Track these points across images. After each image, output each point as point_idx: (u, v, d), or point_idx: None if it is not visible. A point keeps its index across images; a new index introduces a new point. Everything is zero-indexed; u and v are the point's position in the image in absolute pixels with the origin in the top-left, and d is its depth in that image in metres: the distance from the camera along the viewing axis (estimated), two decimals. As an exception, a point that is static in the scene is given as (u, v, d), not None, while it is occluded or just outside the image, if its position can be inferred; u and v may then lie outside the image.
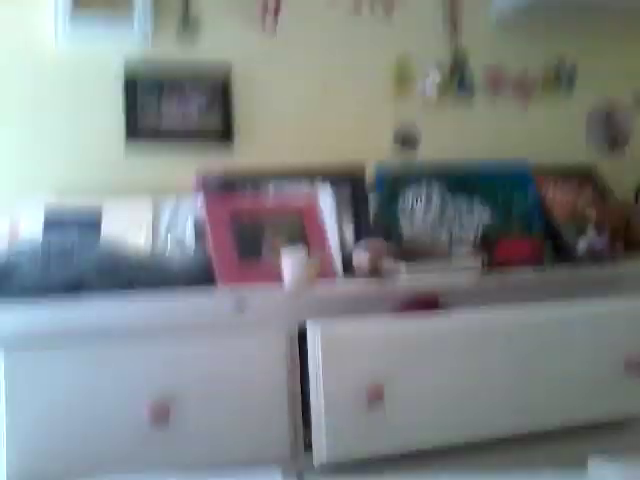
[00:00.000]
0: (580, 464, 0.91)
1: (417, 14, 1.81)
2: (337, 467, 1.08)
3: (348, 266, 1.37)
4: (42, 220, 1.39)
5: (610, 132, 1.97)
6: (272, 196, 1.49)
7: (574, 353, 1.20)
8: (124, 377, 1.05)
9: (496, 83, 1.86)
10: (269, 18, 1.68)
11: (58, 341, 1.02)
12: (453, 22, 1.83)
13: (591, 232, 1.51)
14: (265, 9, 1.68)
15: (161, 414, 1.04)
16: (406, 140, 1.78)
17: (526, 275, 1.30)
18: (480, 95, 1.85)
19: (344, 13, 1.76)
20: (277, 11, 1.69)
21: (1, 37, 1.52)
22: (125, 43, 1.57)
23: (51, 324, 1.03)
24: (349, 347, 1.09)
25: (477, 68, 1.85)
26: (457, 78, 1.83)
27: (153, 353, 1.07)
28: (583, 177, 1.83)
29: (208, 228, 1.27)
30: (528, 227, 1.61)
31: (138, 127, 1.57)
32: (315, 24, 1.73)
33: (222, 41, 1.66)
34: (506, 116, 1.88)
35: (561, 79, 1.92)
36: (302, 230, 1.35)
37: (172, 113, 1.59)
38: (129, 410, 1.04)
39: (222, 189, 1.51)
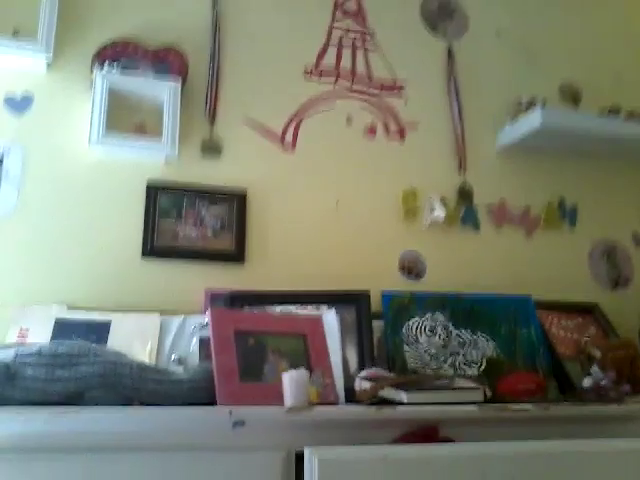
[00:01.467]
0: None
1: (426, 143, 1.93)
2: None
3: (350, 391, 1.36)
4: (51, 330, 1.41)
5: (612, 271, 2.01)
6: (278, 316, 1.51)
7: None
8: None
9: (500, 217, 1.93)
10: (289, 139, 1.81)
11: (51, 450, 1.00)
12: (460, 155, 1.94)
13: (596, 370, 1.50)
14: (285, 131, 1.82)
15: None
16: (411, 269, 1.81)
17: (529, 409, 1.28)
18: (485, 227, 1.91)
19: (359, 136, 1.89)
20: (296, 133, 1.82)
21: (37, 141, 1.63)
22: (151, 163, 1.68)
23: (48, 433, 1.02)
24: (346, 473, 1.06)
25: (482, 201, 1.93)
26: (462, 210, 1.90)
27: (148, 468, 1.04)
28: (586, 314, 1.84)
29: (212, 344, 1.28)
30: (532, 361, 1.60)
31: (155, 245, 1.62)
32: (331, 146, 1.85)
33: (241, 163, 1.76)
34: (510, 249, 1.92)
35: (563, 217, 1.99)
36: (305, 352, 1.36)
37: (188, 234, 1.65)
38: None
39: (229, 306, 1.53)
